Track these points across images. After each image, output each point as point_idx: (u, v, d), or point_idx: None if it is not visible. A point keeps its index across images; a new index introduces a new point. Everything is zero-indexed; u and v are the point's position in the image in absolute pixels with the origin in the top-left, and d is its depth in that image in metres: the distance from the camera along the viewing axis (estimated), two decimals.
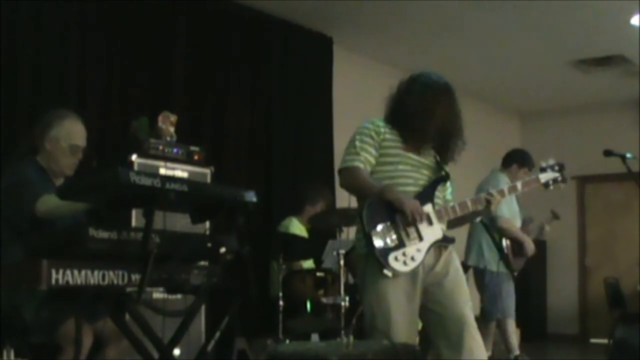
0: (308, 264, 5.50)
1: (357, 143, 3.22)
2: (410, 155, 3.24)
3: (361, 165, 3.19)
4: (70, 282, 2.36)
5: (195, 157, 4.84)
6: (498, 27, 6.76)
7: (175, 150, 4.72)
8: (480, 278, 5.57)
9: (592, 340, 9.06)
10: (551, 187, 3.62)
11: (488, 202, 3.32)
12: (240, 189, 2.91)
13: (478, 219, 3.54)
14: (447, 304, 3.20)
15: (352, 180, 3.22)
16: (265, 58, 6.33)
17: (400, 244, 3.09)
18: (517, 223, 5.60)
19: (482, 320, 5.79)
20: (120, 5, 5.21)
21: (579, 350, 8.68)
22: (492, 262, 5.47)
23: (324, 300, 4.90)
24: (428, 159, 3.29)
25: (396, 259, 3.07)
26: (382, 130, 3.24)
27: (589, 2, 6.09)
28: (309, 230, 5.54)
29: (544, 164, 3.62)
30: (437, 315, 3.22)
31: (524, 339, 5.74)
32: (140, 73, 5.32)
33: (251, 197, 2.89)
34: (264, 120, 6.31)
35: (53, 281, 2.31)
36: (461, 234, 5.70)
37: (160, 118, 4.76)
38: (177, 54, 5.62)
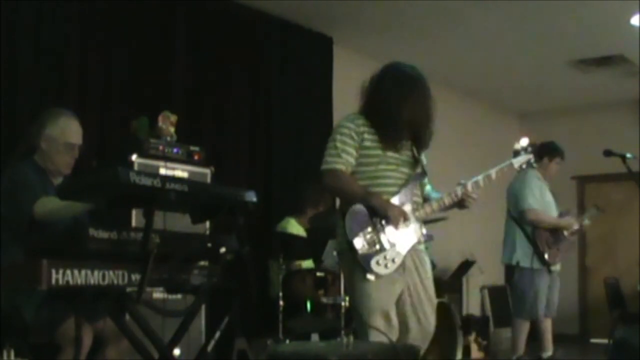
0: (308, 264, 5.50)
1: (339, 144, 3.24)
2: (390, 154, 3.28)
3: (342, 168, 3.23)
4: (70, 282, 2.36)
5: (195, 157, 4.84)
6: (498, 27, 6.75)
7: (175, 150, 4.72)
8: (510, 276, 5.47)
9: (592, 340, 9.05)
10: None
11: (461, 201, 3.34)
12: (240, 189, 2.91)
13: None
14: (412, 310, 3.28)
15: (334, 184, 3.27)
16: (265, 58, 6.33)
17: (381, 248, 3.16)
18: (554, 215, 5.50)
19: (513, 318, 5.69)
20: (121, 5, 5.20)
21: (579, 350, 8.67)
22: (524, 258, 5.35)
23: (324, 300, 4.90)
24: (405, 154, 3.33)
25: (378, 262, 3.15)
26: (362, 129, 3.26)
27: (589, 2, 6.09)
28: (307, 231, 5.54)
29: (517, 147, 3.54)
30: (402, 316, 3.29)
31: None
32: (140, 73, 5.31)
33: (251, 197, 2.89)
34: (264, 120, 6.30)
35: (53, 281, 2.31)
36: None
37: (160, 118, 4.76)
38: (177, 54, 5.61)
